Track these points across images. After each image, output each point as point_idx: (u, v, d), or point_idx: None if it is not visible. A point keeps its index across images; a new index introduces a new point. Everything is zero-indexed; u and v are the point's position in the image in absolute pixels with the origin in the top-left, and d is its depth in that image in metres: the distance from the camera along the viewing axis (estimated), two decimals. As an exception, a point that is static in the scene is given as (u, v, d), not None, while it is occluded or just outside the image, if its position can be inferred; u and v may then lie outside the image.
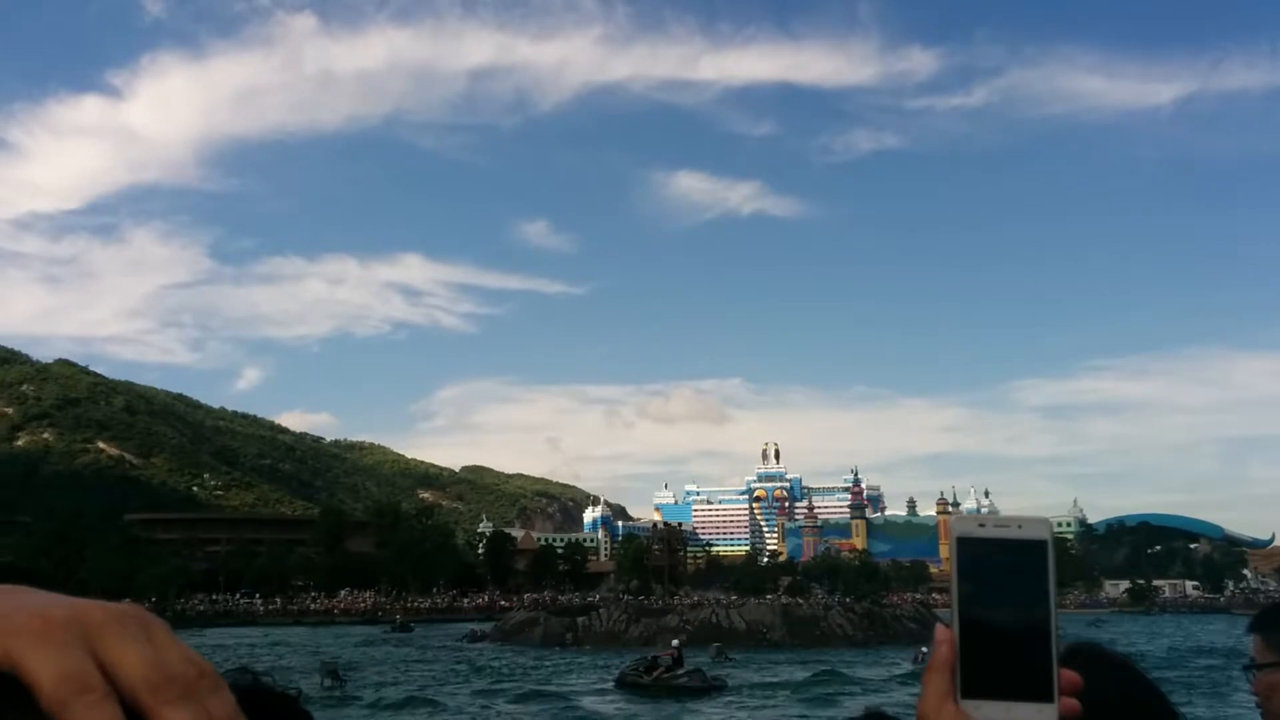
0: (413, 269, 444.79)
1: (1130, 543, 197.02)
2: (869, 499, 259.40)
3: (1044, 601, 0.80)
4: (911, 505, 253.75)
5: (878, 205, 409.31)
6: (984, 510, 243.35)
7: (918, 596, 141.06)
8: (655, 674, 37.86)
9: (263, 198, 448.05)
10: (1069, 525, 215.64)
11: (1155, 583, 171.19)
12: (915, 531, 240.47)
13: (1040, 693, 0.79)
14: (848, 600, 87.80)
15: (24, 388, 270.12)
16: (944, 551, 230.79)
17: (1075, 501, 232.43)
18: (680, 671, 37.90)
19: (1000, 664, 0.79)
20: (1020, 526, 0.82)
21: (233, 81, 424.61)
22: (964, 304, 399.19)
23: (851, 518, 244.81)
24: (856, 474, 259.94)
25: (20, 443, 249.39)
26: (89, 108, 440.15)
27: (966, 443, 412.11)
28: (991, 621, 0.80)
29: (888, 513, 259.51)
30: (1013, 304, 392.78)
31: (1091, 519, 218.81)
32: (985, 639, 0.80)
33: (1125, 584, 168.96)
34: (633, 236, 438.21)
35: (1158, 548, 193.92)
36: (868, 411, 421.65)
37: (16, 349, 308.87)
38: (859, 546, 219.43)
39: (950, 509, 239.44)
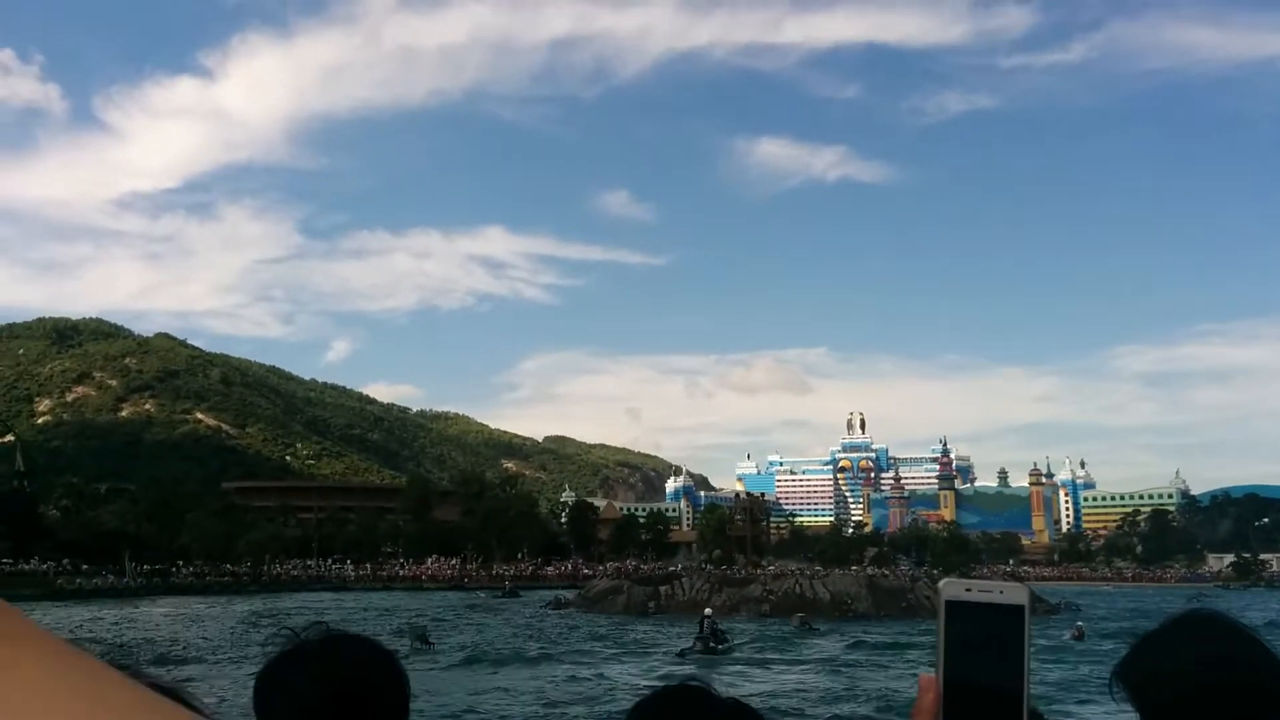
0: (495, 241, 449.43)
1: (1235, 515, 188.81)
2: (958, 470, 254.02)
3: (1018, 661, 0.86)
4: (1003, 476, 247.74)
5: (970, 168, 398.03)
6: (1079, 481, 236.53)
7: (1009, 569, 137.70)
8: (700, 646, 38.46)
9: (350, 174, 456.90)
10: (1170, 497, 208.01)
11: (1262, 556, 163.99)
12: (1007, 503, 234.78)
13: None
14: (935, 572, 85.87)
15: (126, 361, 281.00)
16: (1037, 523, 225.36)
17: (1177, 472, 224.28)
18: (711, 642, 38.78)
19: (976, 718, 0.84)
20: (1002, 592, 0.88)
21: (319, 59, 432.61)
22: (1062, 269, 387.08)
23: (939, 488, 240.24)
24: (945, 444, 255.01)
25: (124, 413, 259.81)
26: (183, 89, 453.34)
27: (1062, 412, 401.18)
28: (970, 679, 0.86)
29: (978, 483, 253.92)
30: (1114, 269, 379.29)
31: (1195, 490, 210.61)
32: (966, 696, 0.85)
33: (1230, 558, 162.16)
34: (714, 205, 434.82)
35: (1265, 520, 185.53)
36: (959, 380, 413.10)
37: (120, 324, 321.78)
38: (947, 518, 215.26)
39: (1044, 479, 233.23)
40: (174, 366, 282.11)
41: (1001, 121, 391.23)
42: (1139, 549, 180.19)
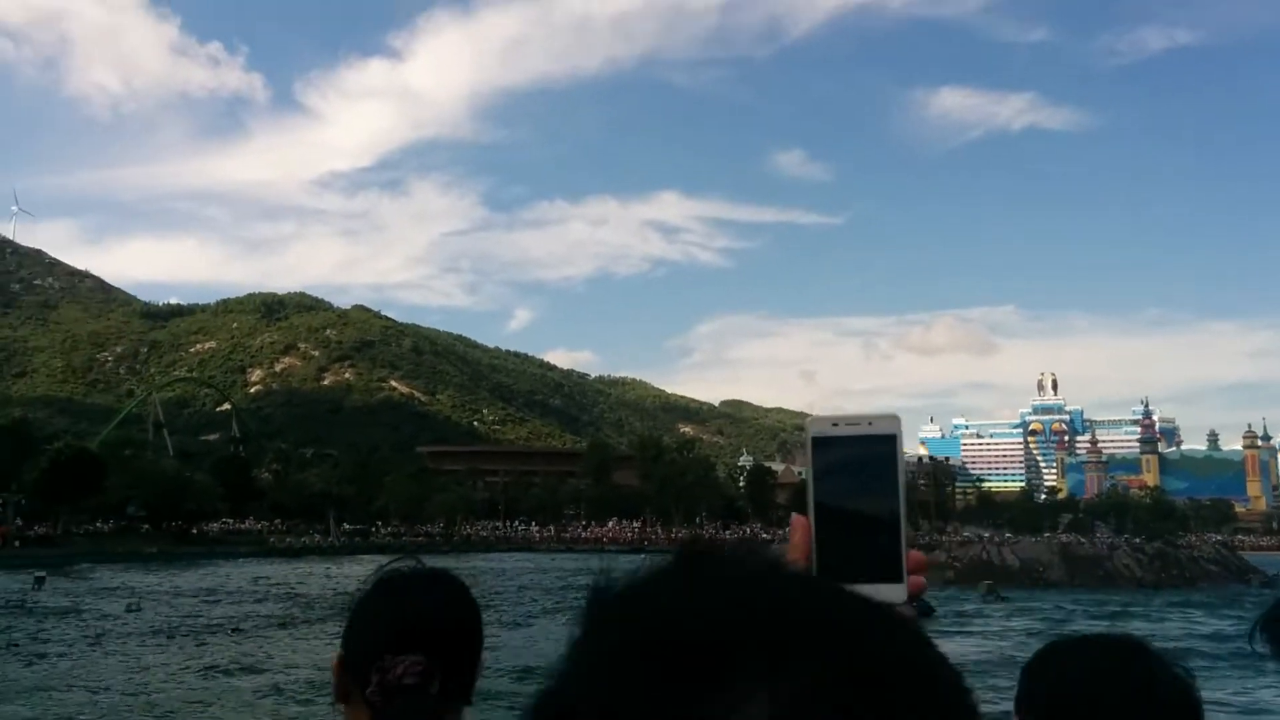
0: (669, 206, 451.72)
1: None
2: (1162, 432, 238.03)
3: (893, 491, 0.85)
4: (1213, 438, 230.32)
5: (1172, 109, 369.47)
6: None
7: (1219, 538, 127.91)
8: None
9: (529, 146, 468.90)
10: None
11: None
12: (1217, 467, 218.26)
13: (890, 574, 0.84)
14: (1137, 540, 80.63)
15: (327, 332, 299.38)
16: (1253, 489, 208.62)
17: None
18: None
19: (853, 550, 0.85)
20: (871, 424, 0.87)
21: (499, 34, 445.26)
22: (1272, 215, 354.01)
23: (1141, 452, 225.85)
24: (1147, 405, 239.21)
25: (326, 382, 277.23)
26: (374, 70, 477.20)
27: (1279, 369, 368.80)
28: (846, 512, 0.85)
29: (1184, 447, 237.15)
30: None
31: None
32: (840, 528, 0.85)
33: None
34: (892, 161, 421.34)
35: None
36: (1162, 337, 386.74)
37: (321, 297, 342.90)
38: (1150, 483, 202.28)
39: (1260, 443, 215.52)
40: (370, 337, 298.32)
41: (1205, 57, 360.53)
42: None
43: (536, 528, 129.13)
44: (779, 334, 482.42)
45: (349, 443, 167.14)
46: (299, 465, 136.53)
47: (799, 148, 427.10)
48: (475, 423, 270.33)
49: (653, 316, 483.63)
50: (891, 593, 0.84)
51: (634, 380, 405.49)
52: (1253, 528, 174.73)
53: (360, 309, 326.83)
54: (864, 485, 0.86)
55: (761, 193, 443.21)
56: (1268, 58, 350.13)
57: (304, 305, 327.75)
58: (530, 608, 40.61)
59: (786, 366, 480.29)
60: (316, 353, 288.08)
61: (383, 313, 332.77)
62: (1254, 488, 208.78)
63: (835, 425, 0.88)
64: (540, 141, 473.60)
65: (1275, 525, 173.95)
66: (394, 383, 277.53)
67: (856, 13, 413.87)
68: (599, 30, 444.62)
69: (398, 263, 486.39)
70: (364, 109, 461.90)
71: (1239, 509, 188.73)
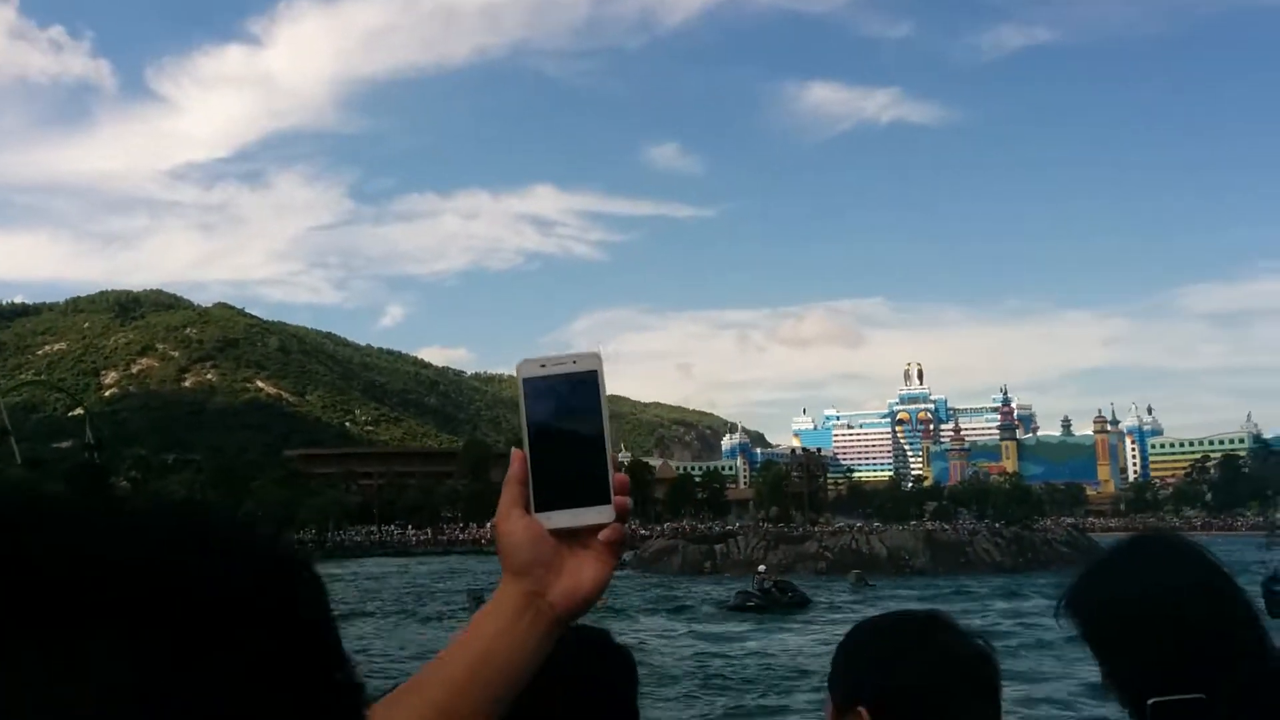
0: (544, 199, 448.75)
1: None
2: (1020, 419, 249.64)
3: (597, 421, 0.98)
4: (1066, 424, 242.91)
5: (1030, 106, 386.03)
6: (1145, 427, 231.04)
7: (1072, 520, 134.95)
8: (754, 598, 40.03)
9: (396, 136, 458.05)
10: (1242, 442, 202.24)
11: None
12: (1070, 452, 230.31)
13: (600, 498, 0.96)
14: (997, 525, 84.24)
15: (187, 331, 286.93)
16: (1103, 473, 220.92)
17: (1249, 416, 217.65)
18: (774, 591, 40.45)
19: (566, 479, 0.96)
20: (575, 362, 1.00)
21: (363, 22, 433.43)
22: (1127, 207, 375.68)
23: (1001, 439, 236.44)
24: (1006, 393, 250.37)
25: (187, 383, 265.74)
26: (232, 57, 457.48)
27: (1127, 356, 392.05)
28: (556, 444, 0.97)
29: (1040, 433, 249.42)
30: (1181, 204, 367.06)
31: (1268, 434, 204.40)
32: (552, 459, 0.96)
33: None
34: (764, 153, 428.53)
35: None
36: (1020, 326, 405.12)
37: (179, 295, 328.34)
38: (1009, 469, 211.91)
39: (1109, 427, 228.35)
40: (233, 335, 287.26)
41: (1061, 56, 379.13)
42: (1209, 497, 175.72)
43: (413, 530, 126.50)
44: (656, 328, 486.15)
45: (213, 447, 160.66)
46: (159, 472, 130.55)
47: (673, 140, 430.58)
48: (347, 423, 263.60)
49: (528, 311, 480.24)
50: (601, 514, 0.96)
51: (511, 377, 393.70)
52: (1102, 510, 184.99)
53: (222, 306, 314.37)
54: (571, 418, 0.98)
55: (637, 186, 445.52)
56: (1119, 54, 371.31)
57: (161, 303, 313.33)
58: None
59: (663, 360, 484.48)
60: (176, 353, 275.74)
61: (246, 310, 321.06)
62: (1104, 471, 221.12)
63: (543, 366, 1.00)
64: (408, 132, 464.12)
65: (1123, 507, 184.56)
66: (260, 383, 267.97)
67: (728, 5, 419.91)
68: (467, 19, 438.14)
69: (261, 258, 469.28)
70: (221, 97, 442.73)
71: (1090, 492, 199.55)
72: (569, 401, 0.98)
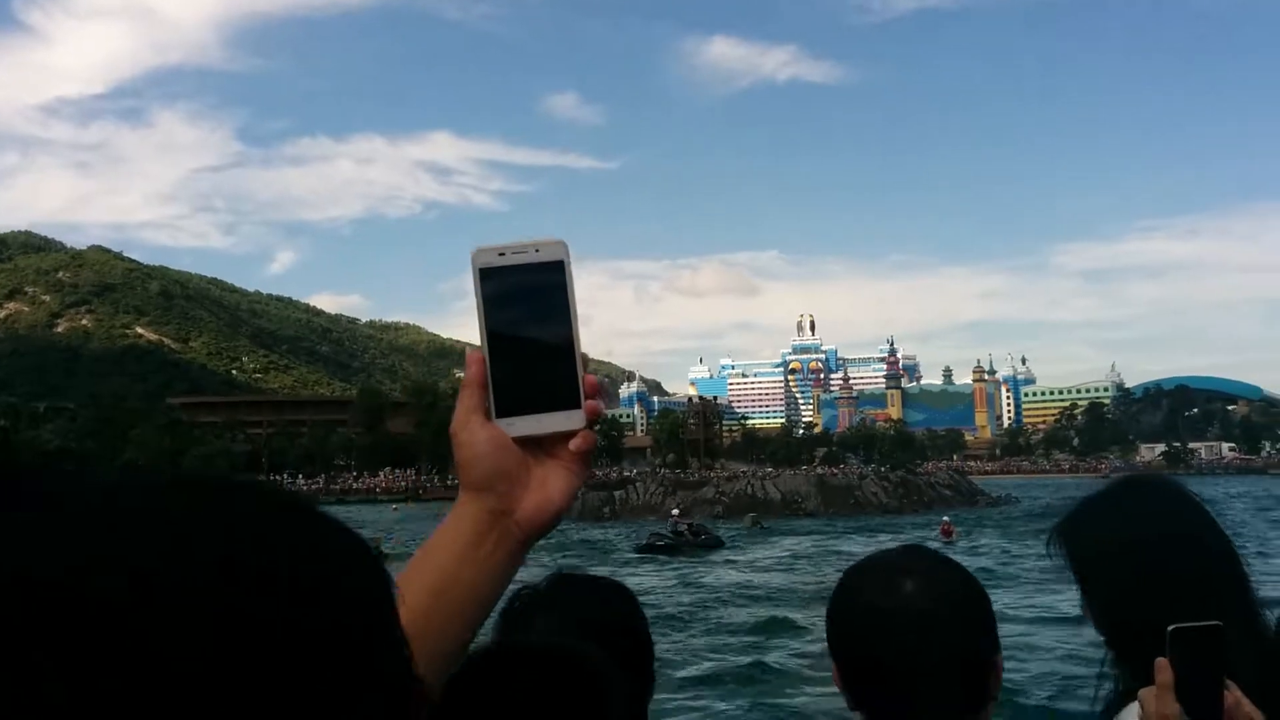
0: (442, 147, 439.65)
1: (1167, 406, 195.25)
2: (905, 369, 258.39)
3: (565, 317, 0.85)
4: (947, 374, 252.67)
5: (919, 66, 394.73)
6: (1019, 377, 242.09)
7: (953, 464, 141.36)
8: (665, 539, 41.60)
9: (289, 77, 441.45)
10: (1106, 391, 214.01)
11: (1191, 445, 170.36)
12: (951, 400, 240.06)
13: (568, 402, 0.83)
14: (883, 469, 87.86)
15: (60, 275, 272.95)
16: (980, 419, 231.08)
17: (1113, 366, 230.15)
18: (687, 533, 42.12)
19: (530, 381, 0.83)
20: (538, 250, 0.86)
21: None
22: (1007, 167, 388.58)
23: (887, 388, 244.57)
24: (892, 344, 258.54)
25: (60, 329, 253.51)
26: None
27: (1005, 309, 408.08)
28: (519, 343, 0.83)
29: (923, 382, 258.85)
30: (1059, 166, 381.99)
31: (1130, 384, 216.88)
32: (514, 360, 0.83)
33: (1161, 447, 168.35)
34: (665, 107, 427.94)
35: (1195, 410, 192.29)
36: (906, 280, 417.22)
37: (51, 237, 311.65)
38: (894, 416, 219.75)
39: (986, 376, 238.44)
40: (111, 280, 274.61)
41: (950, 18, 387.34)
42: (1075, 441, 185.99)
43: (304, 480, 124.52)
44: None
45: (89, 395, 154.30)
46: (30, 421, 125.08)
47: (574, 91, 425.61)
48: (234, 371, 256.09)
49: (426, 259, 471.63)
50: (570, 419, 0.83)
51: (408, 325, 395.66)
52: (980, 454, 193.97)
53: (98, 250, 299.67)
54: (535, 313, 0.84)
55: (537, 135, 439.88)
56: (1003, 17, 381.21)
57: (31, 245, 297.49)
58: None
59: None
60: (47, 297, 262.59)
61: (125, 254, 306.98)
62: (981, 418, 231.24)
63: (502, 255, 0.86)
64: (301, 74, 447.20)
65: (998, 452, 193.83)
66: (140, 329, 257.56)
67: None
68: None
69: (141, 200, 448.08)
70: (96, 29, 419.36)
71: (969, 438, 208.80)
72: (532, 294, 0.85)
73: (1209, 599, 1.44)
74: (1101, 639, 1.60)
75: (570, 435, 0.84)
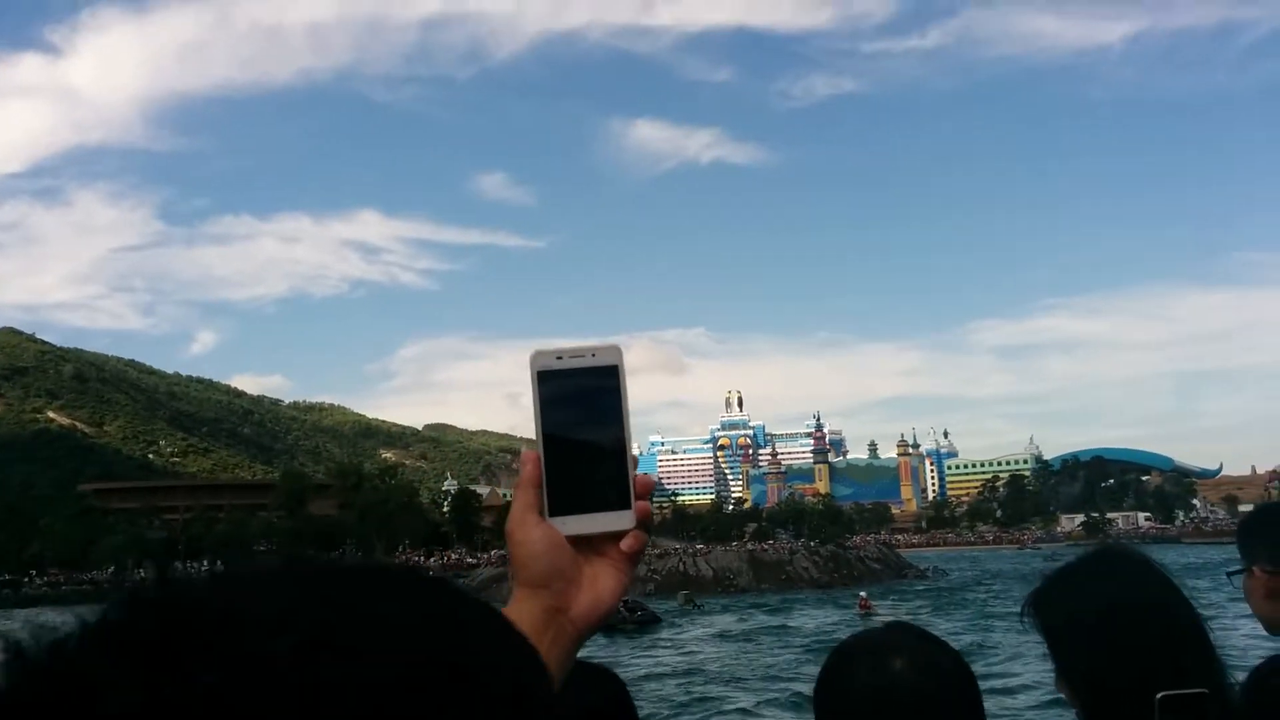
0: (370, 225, 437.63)
1: (1084, 477, 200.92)
2: (831, 443, 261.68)
3: (618, 420, 0.90)
4: (873, 448, 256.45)
5: (836, 150, 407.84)
6: (942, 450, 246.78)
7: (881, 537, 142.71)
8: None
9: (212, 156, 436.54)
10: (1026, 463, 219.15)
11: (1109, 515, 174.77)
12: (877, 474, 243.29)
13: (619, 502, 0.88)
14: (812, 544, 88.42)
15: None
16: (905, 493, 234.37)
17: (1031, 439, 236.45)
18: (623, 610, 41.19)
19: (583, 481, 0.87)
20: (594, 355, 0.94)
21: (176, 36, 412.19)
22: (924, 248, 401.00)
23: (814, 462, 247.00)
24: (819, 419, 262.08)
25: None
26: (28, 66, 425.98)
27: (926, 385, 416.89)
28: (573, 444, 0.88)
29: (850, 456, 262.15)
30: (971, 246, 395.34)
31: (1048, 455, 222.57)
32: (568, 460, 0.87)
33: (1080, 517, 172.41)
34: (592, 187, 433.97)
35: (1111, 481, 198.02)
36: (830, 357, 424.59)
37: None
38: (822, 491, 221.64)
39: (911, 450, 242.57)
40: (21, 363, 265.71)
41: (865, 104, 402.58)
42: (999, 513, 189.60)
43: (222, 567, 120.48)
44: (485, 356, 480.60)
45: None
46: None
47: (501, 170, 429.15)
48: (151, 455, 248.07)
49: (353, 339, 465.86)
50: (621, 520, 0.88)
51: (332, 405, 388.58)
52: (906, 527, 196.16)
53: (10, 331, 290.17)
54: (589, 415, 0.89)
55: (465, 214, 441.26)
56: (915, 105, 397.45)
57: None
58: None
59: (492, 389, 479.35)
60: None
61: (38, 336, 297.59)
62: (906, 491, 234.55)
63: (559, 358, 0.91)
64: (225, 152, 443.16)
65: (924, 524, 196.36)
66: (52, 413, 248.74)
67: (557, 41, 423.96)
68: (291, 39, 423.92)
69: (56, 280, 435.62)
70: (15, 108, 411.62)
71: (895, 510, 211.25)
72: (587, 397, 0.90)
73: (1182, 665, 1.51)
74: (1074, 710, 1.64)
75: (620, 535, 0.89)
